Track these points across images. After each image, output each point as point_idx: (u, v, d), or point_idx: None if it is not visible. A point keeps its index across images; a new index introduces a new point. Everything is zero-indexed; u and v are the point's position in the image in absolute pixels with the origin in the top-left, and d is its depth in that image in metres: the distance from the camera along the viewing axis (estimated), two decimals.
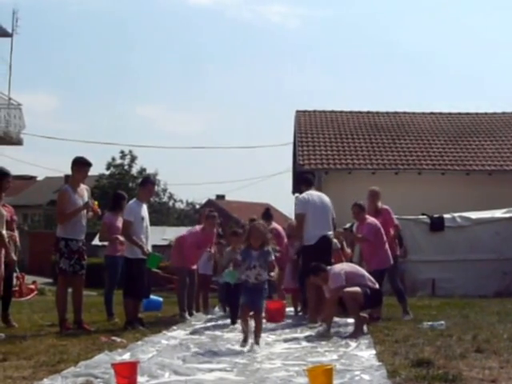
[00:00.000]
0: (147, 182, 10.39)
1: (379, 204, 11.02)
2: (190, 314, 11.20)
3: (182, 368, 6.13)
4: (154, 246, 10.59)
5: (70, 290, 9.41)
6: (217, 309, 12.22)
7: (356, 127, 27.06)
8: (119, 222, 10.36)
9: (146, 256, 9.39)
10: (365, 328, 8.77)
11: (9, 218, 9.32)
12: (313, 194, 10.63)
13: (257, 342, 7.45)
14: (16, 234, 9.93)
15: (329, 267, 9.02)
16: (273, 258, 7.89)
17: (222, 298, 12.09)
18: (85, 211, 9.23)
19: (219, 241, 12.28)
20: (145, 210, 9.72)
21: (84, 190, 9.36)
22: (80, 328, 9.04)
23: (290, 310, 11.54)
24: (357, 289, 8.66)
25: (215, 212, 11.83)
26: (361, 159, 24.70)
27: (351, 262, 11.17)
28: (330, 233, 10.41)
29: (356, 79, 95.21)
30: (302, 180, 11.29)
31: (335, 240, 11.10)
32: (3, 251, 8.46)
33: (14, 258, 8.40)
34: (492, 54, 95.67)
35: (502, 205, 18.24)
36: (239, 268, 8.04)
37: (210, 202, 55.27)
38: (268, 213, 12.57)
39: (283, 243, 11.94)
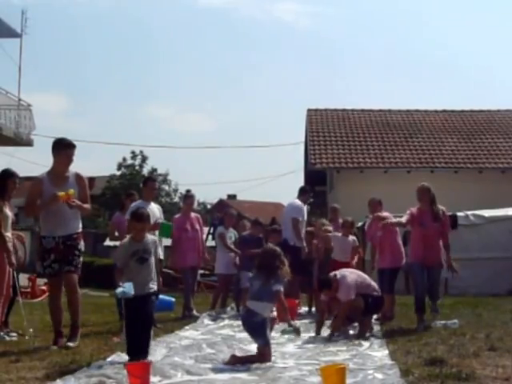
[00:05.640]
0: (147, 181, 10.66)
1: (440, 207, 9.45)
2: (190, 316, 11.20)
3: (195, 368, 6.13)
4: (165, 247, 10.59)
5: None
6: (229, 308, 12.20)
7: (368, 126, 27.02)
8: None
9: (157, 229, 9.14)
10: (375, 327, 8.76)
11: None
12: None
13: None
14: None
15: (339, 275, 8.66)
16: None
17: (236, 297, 12.11)
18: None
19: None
20: (152, 209, 9.65)
21: (72, 177, 7.86)
22: (72, 332, 7.76)
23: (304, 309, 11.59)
24: (359, 299, 8.53)
25: (192, 192, 12.11)
26: (373, 158, 24.65)
27: (363, 261, 11.11)
28: (285, 236, 11.49)
29: (368, 77, 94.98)
30: None
31: (353, 237, 11.06)
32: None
33: (13, 261, 8.20)
34: (505, 51, 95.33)
35: None
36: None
37: (221, 202, 55.24)
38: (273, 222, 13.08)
39: None
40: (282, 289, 6.89)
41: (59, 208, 7.62)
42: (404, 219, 9.31)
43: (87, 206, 7.89)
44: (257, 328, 6.78)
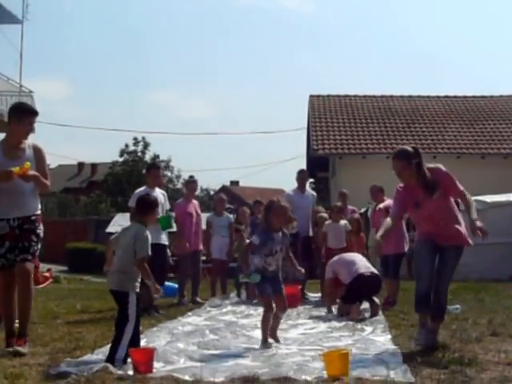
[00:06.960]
0: (150, 168, 10.58)
1: (430, 166, 6.32)
2: (194, 302, 11.29)
3: (198, 354, 6.14)
4: (169, 233, 10.58)
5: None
6: (232, 294, 12.22)
7: (370, 111, 26.96)
8: None
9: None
10: (379, 314, 8.78)
11: None
12: None
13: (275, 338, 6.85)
14: None
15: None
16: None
17: (238, 284, 12.12)
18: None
19: (238, 227, 12.30)
20: (157, 196, 9.64)
21: (28, 148, 6.58)
22: (19, 339, 6.39)
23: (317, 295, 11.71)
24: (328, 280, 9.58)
25: (195, 178, 12.13)
26: (375, 144, 24.62)
27: (366, 247, 11.08)
28: None
29: (370, 63, 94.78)
30: None
31: (345, 221, 10.97)
32: None
33: None
34: (508, 37, 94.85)
35: None
36: (256, 254, 6.70)
37: (224, 188, 55.28)
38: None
39: None
40: (253, 241, 6.73)
41: (14, 184, 6.31)
42: (391, 217, 6.56)
43: (46, 181, 6.59)
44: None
